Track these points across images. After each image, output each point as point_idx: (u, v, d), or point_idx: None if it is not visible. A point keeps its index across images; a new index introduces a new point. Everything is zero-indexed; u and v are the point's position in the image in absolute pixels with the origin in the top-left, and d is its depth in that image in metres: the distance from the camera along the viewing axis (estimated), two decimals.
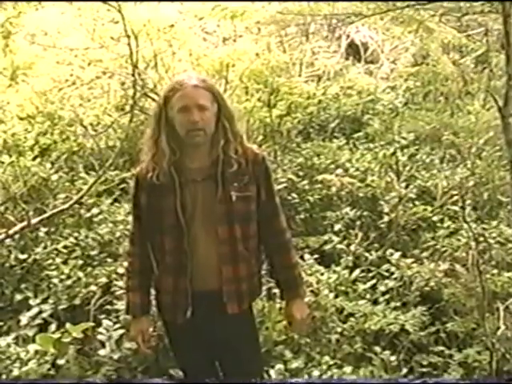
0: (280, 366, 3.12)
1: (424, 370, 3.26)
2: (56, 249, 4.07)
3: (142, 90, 5.25)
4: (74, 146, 5.67)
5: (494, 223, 4.27)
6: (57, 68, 6.38)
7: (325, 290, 3.60)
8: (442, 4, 4.32)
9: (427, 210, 4.54)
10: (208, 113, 2.24)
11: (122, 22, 4.49)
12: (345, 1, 4.52)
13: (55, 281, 3.72)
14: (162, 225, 2.29)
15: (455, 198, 4.60)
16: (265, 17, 5.75)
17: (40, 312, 3.43)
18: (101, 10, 6.07)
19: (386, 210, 4.56)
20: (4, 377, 2.97)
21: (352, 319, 3.48)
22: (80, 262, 3.91)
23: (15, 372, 2.95)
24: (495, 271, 3.73)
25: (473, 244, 3.70)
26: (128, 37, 4.54)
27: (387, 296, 3.69)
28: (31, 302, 3.57)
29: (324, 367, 3.13)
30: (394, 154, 5.25)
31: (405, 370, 3.21)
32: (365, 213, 4.60)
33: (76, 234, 4.24)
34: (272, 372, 3.06)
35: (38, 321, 3.35)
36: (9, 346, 3.14)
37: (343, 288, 3.73)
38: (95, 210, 4.49)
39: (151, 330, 2.51)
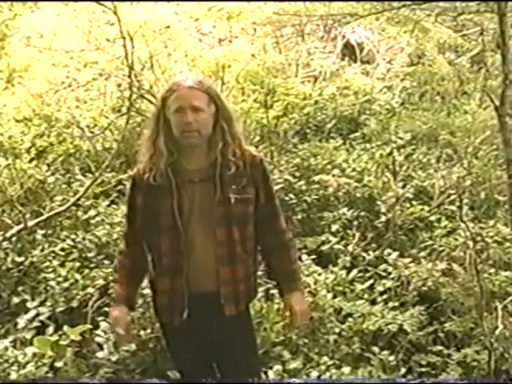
0: (278, 366, 3.12)
1: (422, 369, 3.26)
2: (53, 251, 4.07)
3: (138, 91, 5.25)
4: (70, 148, 5.67)
5: (492, 222, 4.29)
6: (53, 70, 6.36)
7: (322, 291, 3.60)
8: (437, 4, 4.34)
9: (424, 209, 4.55)
10: (203, 114, 2.23)
11: (118, 23, 4.49)
12: (340, 1, 4.53)
13: (52, 283, 3.72)
14: (159, 226, 2.28)
15: (452, 197, 4.62)
16: (261, 17, 5.76)
17: (37, 315, 3.44)
18: (96, 11, 6.05)
19: (383, 209, 4.57)
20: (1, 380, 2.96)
21: (350, 319, 3.48)
22: (77, 264, 3.91)
23: (13, 375, 2.94)
24: (493, 270, 3.75)
25: (470, 243, 3.71)
26: (124, 38, 4.54)
27: (385, 296, 3.70)
28: (29, 304, 3.57)
29: (322, 368, 3.13)
30: (390, 154, 5.26)
31: (403, 370, 3.22)
32: (362, 213, 4.61)
33: (73, 236, 4.23)
34: (270, 373, 3.07)
35: (35, 323, 3.35)
36: (6, 348, 3.14)
37: (341, 288, 3.73)
38: (92, 212, 4.49)
39: (130, 319, 2.46)
